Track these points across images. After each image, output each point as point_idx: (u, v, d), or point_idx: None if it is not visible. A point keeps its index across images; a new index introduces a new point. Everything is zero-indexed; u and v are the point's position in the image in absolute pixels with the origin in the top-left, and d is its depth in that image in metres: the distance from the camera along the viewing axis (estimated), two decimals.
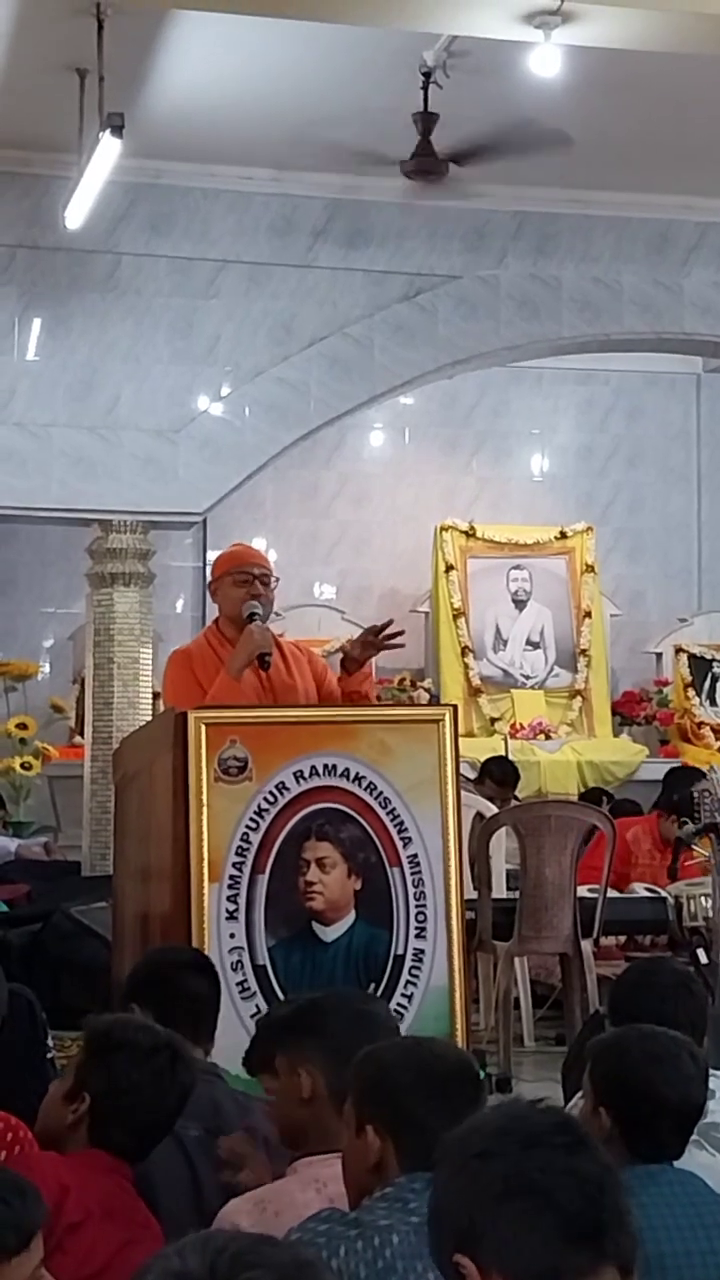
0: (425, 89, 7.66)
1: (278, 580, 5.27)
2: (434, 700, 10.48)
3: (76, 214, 7.97)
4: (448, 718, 4.74)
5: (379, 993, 4.52)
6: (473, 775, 8.64)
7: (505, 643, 11.15)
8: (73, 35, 7.01)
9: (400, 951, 4.56)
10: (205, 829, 4.43)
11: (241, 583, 5.12)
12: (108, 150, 7.16)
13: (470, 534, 11.16)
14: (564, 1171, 1.74)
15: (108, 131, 7.01)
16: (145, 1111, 3.02)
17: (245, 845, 4.46)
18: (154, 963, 3.90)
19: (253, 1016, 4.38)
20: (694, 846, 7.55)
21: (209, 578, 5.47)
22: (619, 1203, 1.76)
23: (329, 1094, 2.94)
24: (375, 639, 5.10)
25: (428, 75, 7.57)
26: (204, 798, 4.44)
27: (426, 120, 7.88)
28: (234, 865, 4.45)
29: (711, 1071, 2.98)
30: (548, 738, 10.67)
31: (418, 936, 4.58)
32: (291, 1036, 3.08)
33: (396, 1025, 3.23)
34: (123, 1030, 3.11)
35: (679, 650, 11.58)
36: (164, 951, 4.07)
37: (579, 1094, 3.34)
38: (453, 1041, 2.86)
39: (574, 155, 8.64)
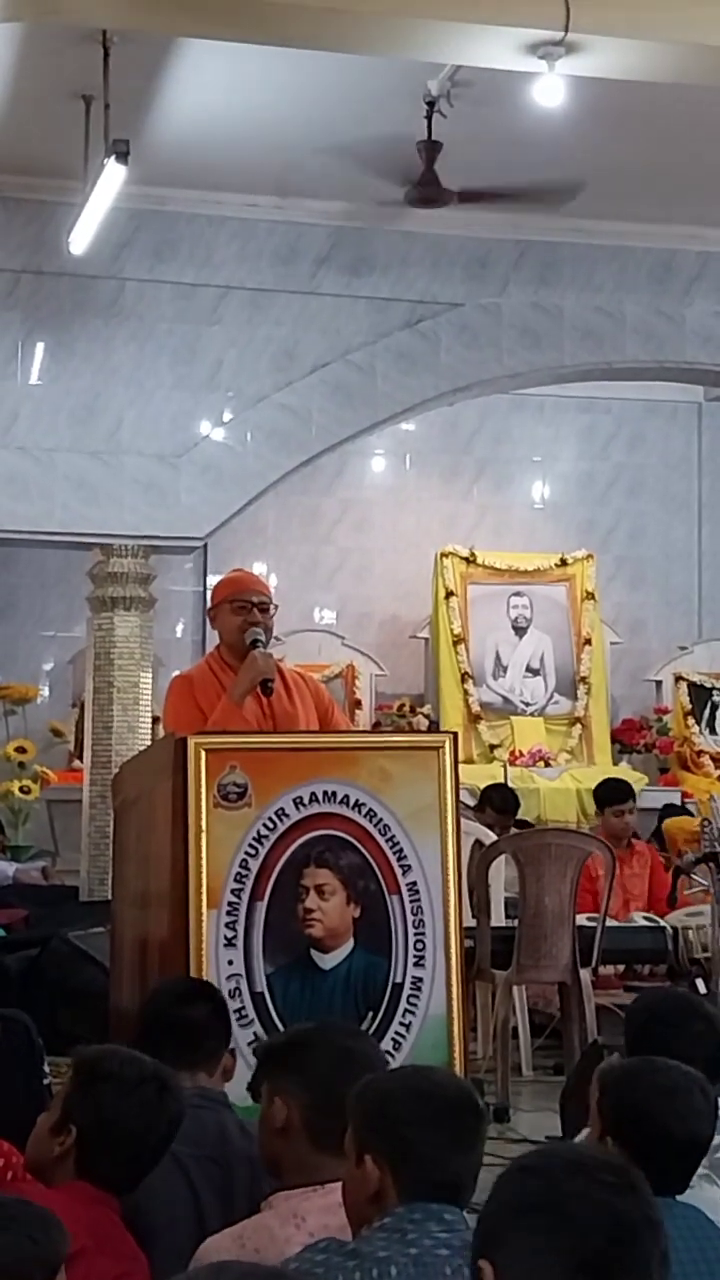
0: (429, 118, 7.69)
1: (276, 607, 5.27)
2: (434, 726, 10.47)
3: (81, 240, 8.00)
4: (448, 745, 4.72)
5: (377, 1020, 4.51)
6: (472, 802, 8.63)
7: (505, 669, 11.14)
8: (79, 62, 7.05)
9: (399, 979, 4.54)
10: (204, 855, 4.42)
11: (239, 609, 5.12)
12: (112, 176, 7.20)
13: (471, 560, 11.16)
14: (597, 1204, 1.71)
15: (113, 158, 7.05)
16: (132, 1143, 2.98)
17: (244, 872, 4.45)
18: (147, 1003, 3.87)
19: (250, 1044, 4.36)
20: (693, 875, 7.56)
21: (209, 603, 5.47)
22: (648, 1257, 1.70)
23: (304, 1127, 2.93)
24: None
25: (431, 104, 7.60)
26: (203, 823, 4.43)
27: (430, 149, 7.91)
28: (233, 892, 4.44)
29: None
30: (547, 765, 10.66)
31: (416, 964, 4.57)
32: (275, 1066, 3.07)
33: (384, 1061, 3.21)
34: (109, 1061, 3.07)
35: (679, 678, 11.58)
36: (156, 991, 4.04)
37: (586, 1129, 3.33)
38: (453, 1071, 2.84)
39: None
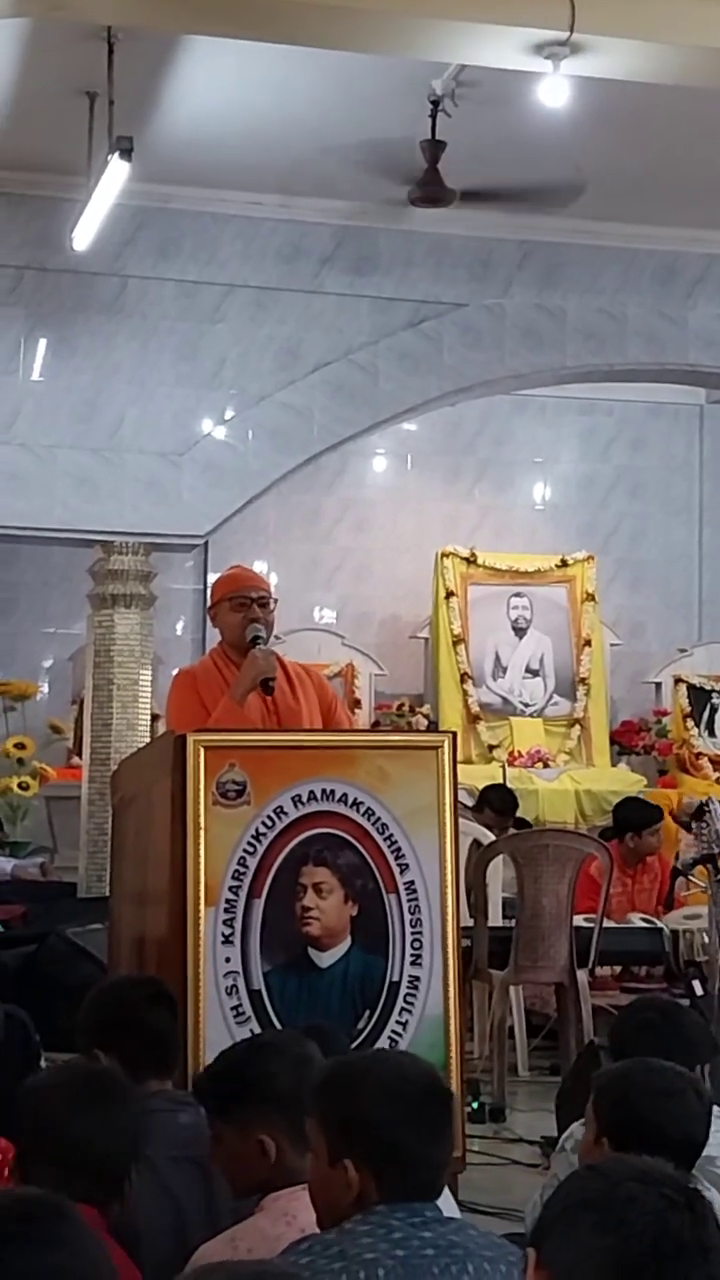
0: (433, 117, 7.68)
1: (276, 602, 5.26)
2: (433, 727, 10.47)
3: (84, 236, 8.00)
4: (447, 745, 4.72)
5: (374, 1019, 4.50)
6: (471, 803, 8.63)
7: (505, 670, 11.14)
8: (83, 59, 7.04)
9: (396, 978, 4.54)
10: (202, 853, 4.41)
11: (239, 606, 5.11)
12: (116, 173, 7.20)
13: (471, 561, 11.16)
14: (649, 1212, 1.72)
15: (116, 155, 7.05)
16: (89, 1156, 2.81)
17: (242, 869, 4.45)
18: (111, 1001, 3.72)
19: None
20: (691, 877, 7.55)
21: (209, 601, 5.46)
22: (687, 1277, 1.70)
23: (291, 1148, 2.92)
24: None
25: (436, 104, 7.60)
26: (201, 821, 4.43)
27: (434, 148, 7.91)
28: (230, 889, 4.43)
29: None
30: (546, 766, 10.66)
31: (413, 964, 4.57)
32: (238, 1104, 3.04)
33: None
34: (56, 1078, 3.01)
35: (678, 681, 11.58)
36: (118, 988, 3.94)
37: (579, 1121, 3.33)
38: (415, 1056, 2.81)
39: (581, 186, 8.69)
